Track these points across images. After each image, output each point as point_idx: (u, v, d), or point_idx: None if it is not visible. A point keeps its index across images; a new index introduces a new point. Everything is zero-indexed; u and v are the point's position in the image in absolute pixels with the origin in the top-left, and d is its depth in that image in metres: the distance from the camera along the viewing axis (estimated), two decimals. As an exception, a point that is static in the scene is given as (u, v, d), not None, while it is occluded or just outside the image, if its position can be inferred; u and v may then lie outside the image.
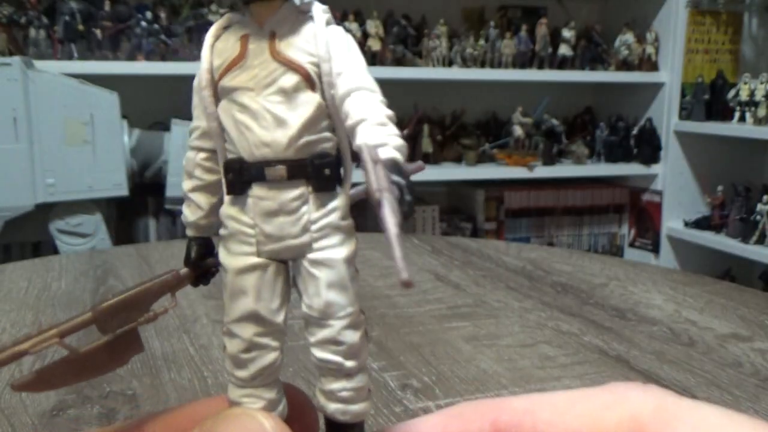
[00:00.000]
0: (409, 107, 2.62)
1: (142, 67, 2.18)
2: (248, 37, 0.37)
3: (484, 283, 1.08)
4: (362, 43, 2.40)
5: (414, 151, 2.59)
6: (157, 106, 2.38)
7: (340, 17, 2.42)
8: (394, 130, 0.36)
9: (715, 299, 1.04)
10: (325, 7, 0.38)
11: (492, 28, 2.59)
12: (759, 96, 2.40)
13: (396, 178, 0.33)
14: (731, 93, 2.51)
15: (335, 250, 0.38)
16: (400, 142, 0.36)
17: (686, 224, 2.73)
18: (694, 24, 2.70)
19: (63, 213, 1.92)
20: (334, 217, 0.38)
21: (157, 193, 2.11)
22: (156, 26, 2.20)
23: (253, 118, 0.37)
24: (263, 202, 0.37)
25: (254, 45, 0.37)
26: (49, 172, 1.85)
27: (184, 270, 0.43)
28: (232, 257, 0.39)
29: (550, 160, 2.71)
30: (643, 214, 2.91)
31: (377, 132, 0.36)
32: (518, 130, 2.69)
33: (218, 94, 0.38)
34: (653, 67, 2.75)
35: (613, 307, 1.00)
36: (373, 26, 2.42)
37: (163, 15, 2.25)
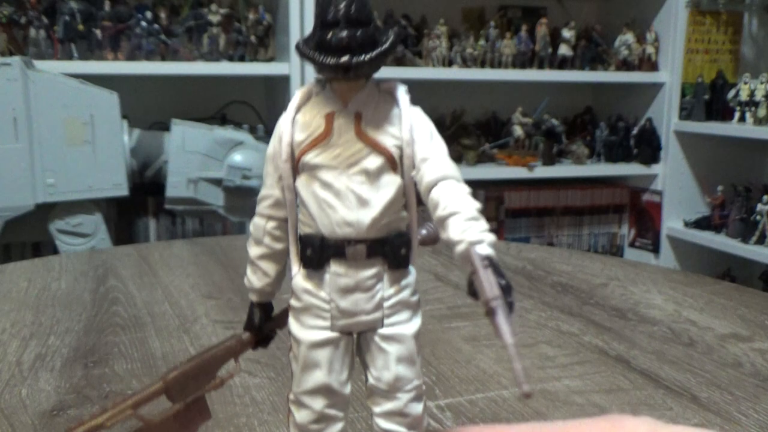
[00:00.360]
0: (409, 107, 2.62)
1: (142, 67, 2.18)
2: (334, 115, 0.37)
3: (484, 283, 1.08)
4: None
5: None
6: (157, 106, 2.38)
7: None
8: (485, 224, 0.36)
9: (715, 299, 1.04)
10: (405, 87, 0.38)
11: (492, 28, 2.59)
12: (759, 96, 2.40)
13: (502, 281, 0.33)
14: (731, 93, 2.51)
15: (405, 325, 0.39)
16: (492, 237, 0.36)
17: (686, 224, 2.73)
18: (694, 24, 2.70)
19: (63, 213, 1.92)
20: (405, 294, 0.39)
21: (157, 193, 2.11)
22: (156, 26, 2.20)
23: (336, 197, 0.37)
24: (341, 279, 0.38)
25: (340, 124, 0.37)
26: (49, 172, 1.85)
27: (246, 335, 0.43)
28: (305, 330, 0.39)
29: (550, 160, 2.71)
30: (643, 214, 2.91)
31: (471, 228, 0.36)
32: (518, 130, 2.69)
33: (299, 168, 0.38)
34: (653, 67, 2.75)
35: (613, 307, 1.00)
36: (373, 26, 2.42)
37: (163, 15, 2.25)
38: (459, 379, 0.73)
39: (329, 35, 0.36)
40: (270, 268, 0.41)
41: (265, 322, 0.43)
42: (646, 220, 2.90)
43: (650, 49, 2.72)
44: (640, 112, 2.87)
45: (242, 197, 2.02)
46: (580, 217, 2.89)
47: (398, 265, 0.39)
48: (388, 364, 0.39)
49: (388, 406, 0.39)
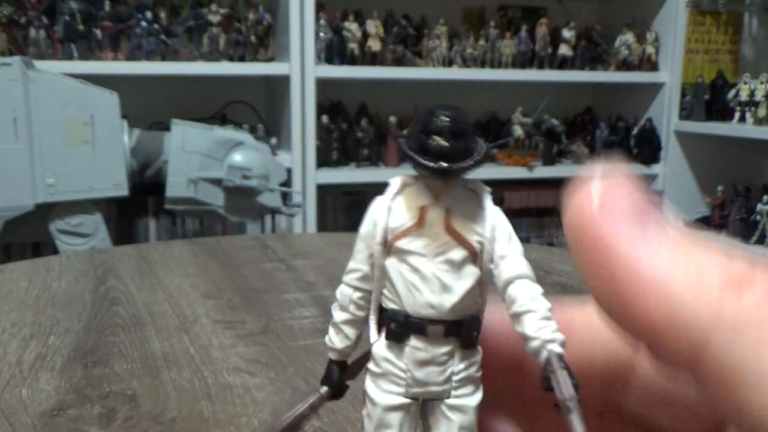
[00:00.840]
0: (409, 107, 2.62)
1: (142, 67, 2.18)
2: (427, 209, 0.40)
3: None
4: (362, 43, 2.41)
5: (414, 151, 2.59)
6: (157, 106, 2.38)
7: (340, 17, 2.42)
8: (555, 324, 0.39)
9: (715, 299, 1.04)
10: (490, 189, 0.41)
11: (492, 28, 2.59)
12: (759, 96, 2.40)
13: (574, 381, 0.36)
14: (731, 93, 2.51)
15: (469, 398, 0.42)
16: (563, 337, 0.39)
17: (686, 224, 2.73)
18: (694, 24, 2.70)
19: (63, 213, 1.92)
20: (472, 370, 0.42)
21: (157, 193, 2.11)
22: (156, 26, 2.20)
23: (423, 281, 0.40)
24: (419, 353, 0.41)
25: (432, 217, 0.40)
26: (49, 172, 1.85)
27: (324, 389, 0.48)
28: (382, 394, 0.43)
29: (550, 160, 2.71)
30: (643, 214, 2.91)
31: (546, 327, 0.38)
32: (518, 130, 2.69)
33: (390, 251, 0.41)
34: (653, 67, 2.75)
35: (613, 307, 1.00)
36: (373, 26, 2.42)
37: (163, 15, 2.25)
38: (459, 379, 0.73)
39: (431, 141, 0.38)
40: (352, 332, 0.44)
41: (342, 379, 0.46)
42: (646, 220, 2.90)
43: (650, 49, 2.72)
44: (640, 112, 2.87)
45: (242, 197, 2.02)
46: (580, 217, 2.89)
47: (469, 345, 0.42)
48: (451, 430, 0.41)
49: None
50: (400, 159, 2.55)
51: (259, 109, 2.54)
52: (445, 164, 0.38)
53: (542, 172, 2.68)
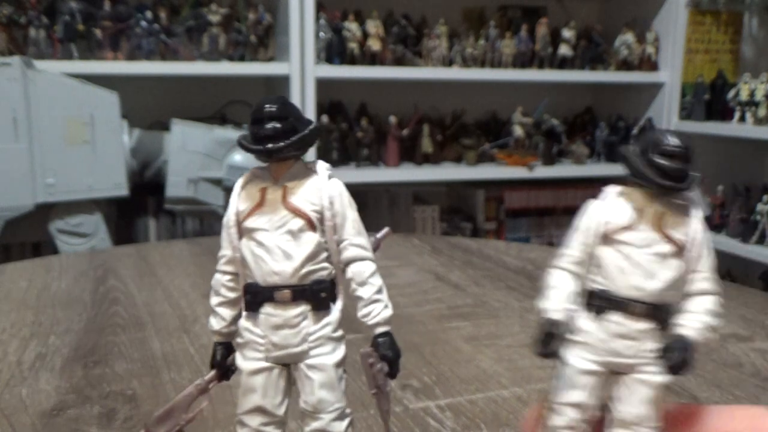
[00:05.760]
0: (409, 107, 2.62)
1: (142, 67, 2.18)
2: (266, 189, 0.49)
3: (484, 283, 1.08)
4: (362, 43, 2.40)
5: (414, 151, 2.59)
6: (157, 106, 2.38)
7: (340, 17, 2.42)
8: (380, 305, 0.48)
9: (715, 299, 1.04)
10: (327, 165, 0.50)
11: (492, 28, 2.59)
12: (759, 96, 2.40)
13: (386, 369, 0.49)
14: (731, 93, 2.51)
15: (327, 357, 0.49)
16: (389, 313, 0.49)
17: (686, 224, 2.73)
18: (694, 24, 2.70)
19: (63, 213, 1.92)
20: (327, 330, 0.49)
21: (157, 192, 2.11)
22: (156, 26, 2.20)
23: (267, 252, 0.48)
24: (272, 318, 0.48)
25: (271, 196, 0.48)
26: (49, 172, 1.84)
27: (211, 373, 0.53)
28: (246, 361, 0.50)
29: (550, 160, 2.71)
30: (643, 214, 2.91)
31: (369, 312, 0.48)
32: (518, 130, 2.69)
33: (242, 231, 0.49)
34: (653, 67, 2.75)
35: (613, 307, 0.99)
36: (373, 26, 2.42)
37: (163, 15, 2.24)
38: (459, 379, 0.73)
39: (257, 129, 0.47)
40: (226, 313, 0.51)
41: (227, 359, 0.52)
42: (646, 220, 2.89)
43: (650, 49, 2.72)
44: (640, 112, 2.87)
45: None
46: (580, 217, 2.89)
47: (320, 307, 0.49)
48: (313, 389, 0.48)
49: (314, 425, 0.48)
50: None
51: (259, 109, 2.54)
52: (270, 145, 0.47)
53: (542, 172, 2.68)
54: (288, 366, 0.50)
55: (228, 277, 0.51)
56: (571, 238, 0.51)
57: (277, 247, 0.48)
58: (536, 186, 2.82)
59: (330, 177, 0.50)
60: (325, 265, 0.49)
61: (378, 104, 2.63)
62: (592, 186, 3.02)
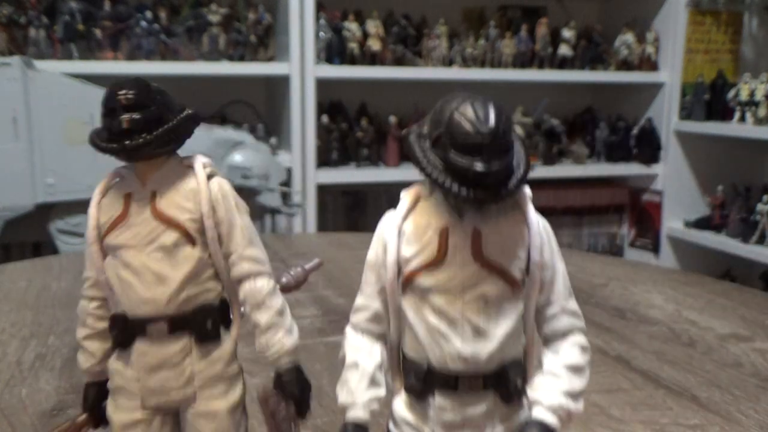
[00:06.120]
0: (409, 107, 2.62)
1: (142, 67, 2.18)
2: (131, 195, 0.39)
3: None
4: (362, 43, 2.40)
5: (414, 151, 2.58)
6: (157, 106, 2.38)
7: (340, 17, 2.42)
8: (285, 324, 0.39)
9: (715, 299, 1.04)
10: (206, 160, 0.40)
11: (492, 28, 2.59)
12: (759, 96, 2.39)
13: (293, 410, 0.38)
14: (731, 93, 2.51)
15: (219, 401, 0.39)
16: (293, 341, 0.39)
17: (686, 224, 2.73)
18: (694, 24, 2.70)
19: (63, 213, 1.92)
20: (218, 367, 0.39)
21: (157, 193, 2.10)
22: (156, 26, 2.20)
23: (134, 275, 0.38)
24: (146, 357, 0.38)
25: (136, 204, 0.39)
26: (49, 172, 1.84)
27: (82, 417, 0.43)
28: (118, 411, 0.40)
29: (550, 160, 2.71)
30: (643, 214, 2.91)
31: (271, 339, 0.38)
32: (518, 130, 2.69)
33: (104, 249, 0.40)
34: (653, 67, 2.75)
35: (613, 307, 1.00)
36: (373, 26, 2.41)
37: (163, 15, 2.24)
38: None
39: (110, 121, 0.38)
40: (95, 347, 0.42)
41: (102, 401, 0.43)
42: (646, 220, 2.89)
43: (650, 49, 2.72)
44: (640, 112, 2.87)
45: (242, 197, 2.01)
46: (580, 217, 2.89)
47: (207, 338, 0.39)
48: None
49: None
50: (394, 157, 2.55)
51: (259, 109, 2.54)
52: (128, 142, 0.37)
53: (542, 172, 2.68)
54: (173, 413, 0.40)
55: (95, 303, 0.42)
56: (364, 279, 0.39)
57: (146, 268, 0.38)
58: (536, 186, 2.81)
59: (210, 175, 0.40)
60: (211, 285, 0.40)
61: (378, 104, 2.63)
62: (592, 186, 3.03)
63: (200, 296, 0.39)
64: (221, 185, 0.40)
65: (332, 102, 2.57)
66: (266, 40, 2.34)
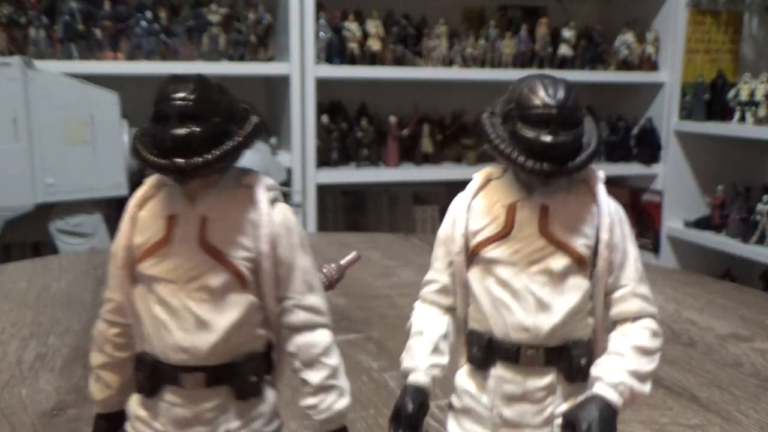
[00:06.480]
0: (409, 107, 2.62)
1: (142, 67, 2.18)
2: (176, 219, 0.33)
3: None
4: (362, 43, 2.40)
5: (414, 151, 2.59)
6: (157, 106, 2.38)
7: (340, 17, 2.42)
8: (339, 385, 0.35)
9: (715, 299, 1.04)
10: (270, 182, 0.34)
11: (492, 27, 2.59)
12: (759, 96, 2.39)
13: None
14: (731, 93, 2.51)
15: None
16: (345, 404, 0.35)
17: (686, 224, 2.73)
18: (694, 24, 2.70)
19: (63, 213, 1.92)
20: (257, 426, 0.35)
21: (157, 193, 2.10)
22: (156, 26, 2.20)
23: (171, 316, 0.33)
24: (176, 409, 0.33)
25: (182, 229, 0.33)
26: (49, 172, 1.84)
27: None
28: None
29: (550, 160, 2.70)
30: (643, 214, 2.91)
31: (323, 402, 0.34)
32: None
33: (136, 276, 0.34)
34: (653, 67, 2.75)
35: (613, 307, 0.99)
36: (373, 26, 2.41)
37: (163, 15, 2.24)
38: (459, 379, 0.72)
39: (162, 130, 0.31)
40: (112, 379, 0.38)
41: None
42: (646, 220, 2.89)
43: (650, 49, 2.72)
44: (640, 112, 2.86)
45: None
46: (580, 217, 2.88)
47: (247, 394, 0.34)
48: None
49: None
50: (400, 158, 2.55)
51: (259, 109, 2.53)
52: (181, 161, 0.31)
53: (542, 172, 2.67)
54: None
55: (115, 330, 0.37)
56: (434, 255, 0.39)
57: (187, 310, 0.32)
58: (536, 186, 2.82)
59: (273, 200, 0.34)
60: (260, 332, 0.35)
61: (378, 104, 2.63)
62: (592, 186, 3.01)
63: (246, 345, 0.34)
64: (286, 217, 0.34)
65: (332, 102, 2.57)
66: (266, 40, 2.34)
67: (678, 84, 2.71)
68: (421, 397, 0.37)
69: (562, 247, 0.34)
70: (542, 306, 0.34)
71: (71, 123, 1.85)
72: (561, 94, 0.33)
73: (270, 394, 0.35)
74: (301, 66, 2.27)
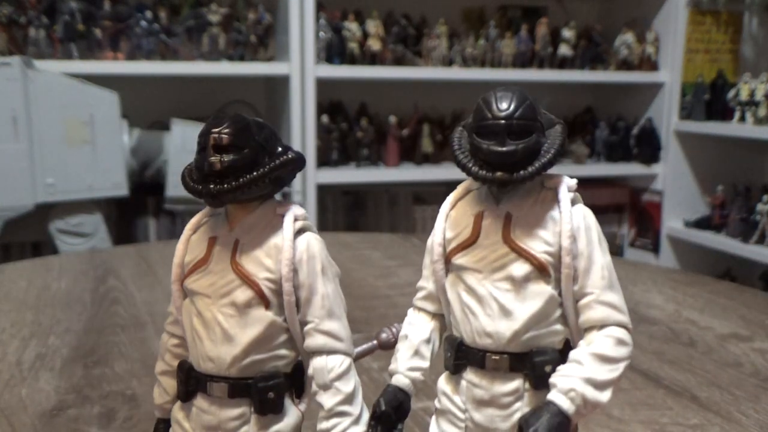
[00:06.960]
0: (409, 107, 2.62)
1: (142, 67, 2.18)
2: (216, 240, 0.37)
3: (484, 283, 1.08)
4: (362, 43, 2.40)
5: (414, 151, 2.59)
6: (157, 106, 2.38)
7: (340, 17, 2.42)
8: (354, 412, 0.36)
9: (715, 299, 1.04)
10: (301, 212, 0.37)
11: (492, 27, 2.59)
12: (759, 96, 2.39)
13: None
14: (731, 93, 2.51)
15: None
16: (359, 431, 0.37)
17: (686, 224, 2.73)
18: (694, 24, 2.70)
19: (63, 213, 1.92)
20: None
21: (156, 192, 2.11)
22: (156, 26, 2.20)
23: (204, 328, 0.36)
24: (204, 416, 0.37)
25: (219, 250, 0.37)
26: (49, 172, 1.84)
27: None
28: None
29: (550, 160, 2.70)
30: (643, 214, 2.91)
31: (336, 426, 0.36)
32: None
33: (185, 290, 0.39)
34: (653, 66, 2.75)
35: (613, 307, 0.99)
36: (373, 26, 2.42)
37: (163, 15, 2.24)
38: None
39: (201, 160, 0.36)
40: (170, 385, 0.40)
41: None
42: (646, 220, 2.89)
43: (650, 49, 2.72)
44: (640, 112, 2.87)
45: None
46: (580, 217, 2.89)
47: (267, 410, 0.36)
48: None
49: None
50: (399, 159, 2.55)
51: (259, 109, 2.54)
52: (214, 187, 0.35)
53: (542, 172, 2.67)
54: None
55: (174, 341, 0.40)
56: (423, 262, 0.41)
57: (216, 323, 0.36)
58: (536, 186, 2.82)
59: (301, 230, 0.37)
60: (283, 352, 0.37)
61: (378, 104, 2.63)
62: (592, 186, 3.03)
63: (268, 362, 0.36)
64: (310, 245, 0.36)
65: (332, 102, 2.58)
66: (266, 40, 2.34)
67: (678, 84, 2.71)
68: (399, 396, 0.38)
69: (524, 254, 0.35)
70: (504, 312, 0.35)
71: (71, 123, 1.85)
72: (511, 105, 0.36)
73: (293, 413, 0.37)
74: (301, 66, 2.27)
